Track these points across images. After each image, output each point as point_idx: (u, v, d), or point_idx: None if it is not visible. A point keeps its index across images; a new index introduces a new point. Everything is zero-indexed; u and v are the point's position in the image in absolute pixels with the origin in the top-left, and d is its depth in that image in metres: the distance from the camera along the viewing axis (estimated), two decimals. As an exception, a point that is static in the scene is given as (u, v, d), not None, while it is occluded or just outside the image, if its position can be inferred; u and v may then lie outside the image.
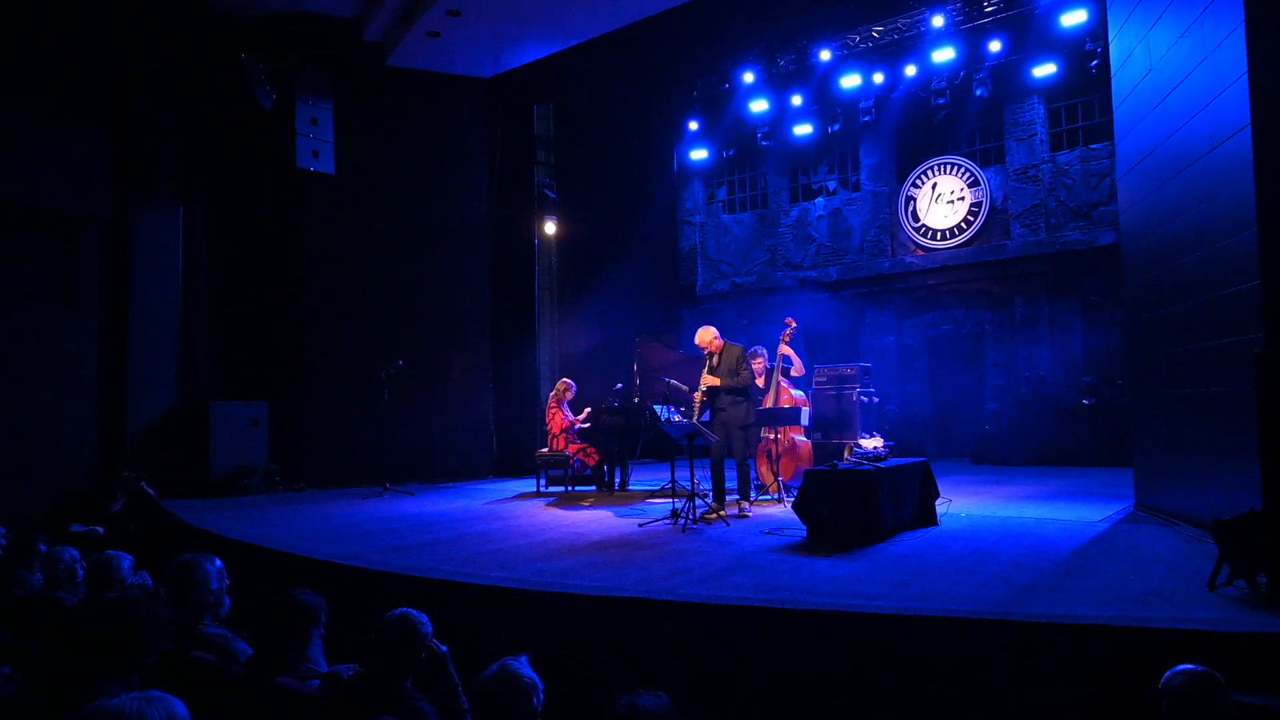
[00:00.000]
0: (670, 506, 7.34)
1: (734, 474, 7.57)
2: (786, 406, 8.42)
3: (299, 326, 10.93)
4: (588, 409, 9.69)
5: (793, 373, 8.86)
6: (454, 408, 11.48)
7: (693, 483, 7.10)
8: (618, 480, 9.68)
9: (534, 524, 7.40)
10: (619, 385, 10.05)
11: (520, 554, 5.90)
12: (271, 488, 10.21)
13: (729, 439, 7.43)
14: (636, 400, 9.61)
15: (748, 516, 7.23)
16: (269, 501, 9.41)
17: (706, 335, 7.51)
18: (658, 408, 9.09)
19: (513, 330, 12.02)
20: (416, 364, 10.67)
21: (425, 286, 11.42)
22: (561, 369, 12.11)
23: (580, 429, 9.64)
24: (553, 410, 9.75)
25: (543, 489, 9.75)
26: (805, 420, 8.48)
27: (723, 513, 7.11)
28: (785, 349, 8.63)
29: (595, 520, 7.48)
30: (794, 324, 8.79)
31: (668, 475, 8.48)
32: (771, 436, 8.39)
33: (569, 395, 9.80)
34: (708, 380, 7.39)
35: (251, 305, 10.96)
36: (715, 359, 7.46)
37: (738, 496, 7.48)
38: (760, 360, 8.81)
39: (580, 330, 13.41)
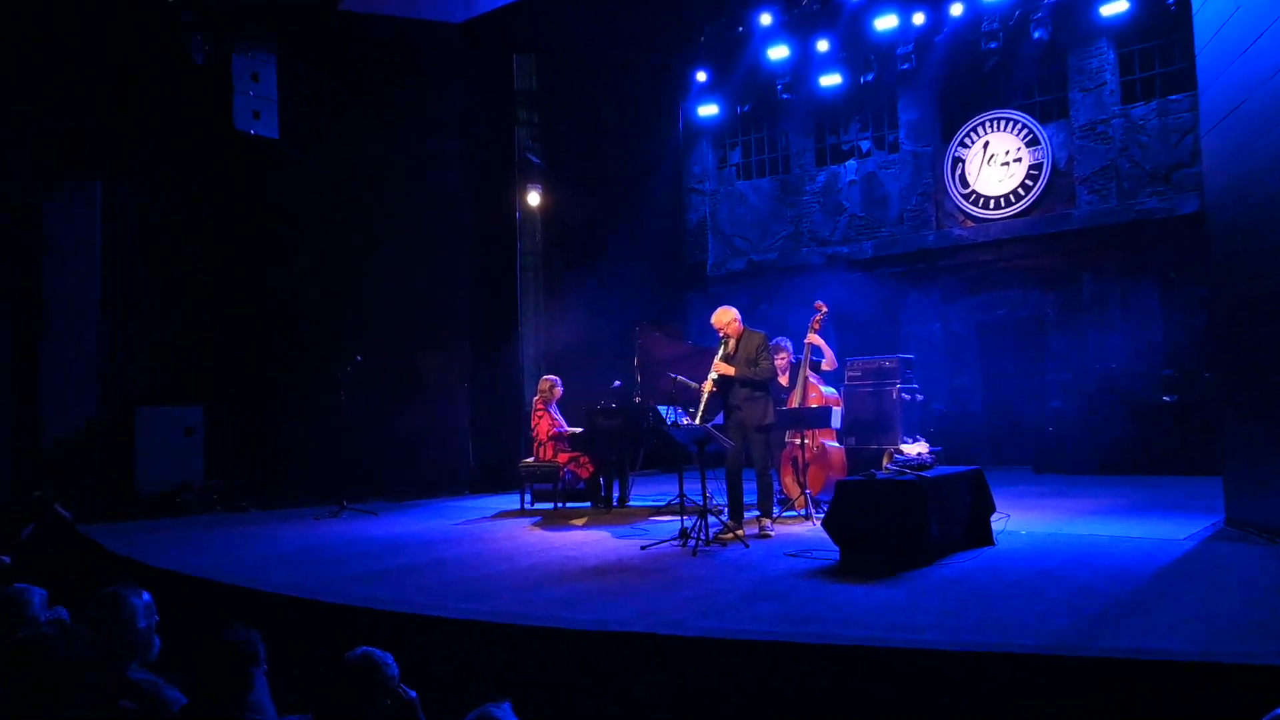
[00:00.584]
0: (678, 525, 7.36)
1: (753, 486, 7.60)
2: (815, 406, 8.44)
3: (240, 319, 10.99)
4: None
5: (823, 366, 8.89)
6: (423, 412, 11.53)
7: (704, 497, 7.09)
8: (616, 495, 9.68)
9: (518, 547, 7.41)
10: (616, 383, 10.02)
11: (502, 582, 5.96)
12: (209, 507, 10.28)
13: (747, 444, 7.46)
14: (637, 400, 9.58)
15: (770, 536, 7.24)
16: (207, 523, 9.51)
17: (726, 316, 7.56)
18: (662, 409, 9.09)
19: (492, 320, 12.08)
20: (380, 362, 10.74)
21: (389, 270, 11.47)
22: (548, 365, 12.14)
23: (572, 435, 9.66)
24: (538, 414, 9.75)
25: (528, 506, 9.79)
26: (837, 422, 8.48)
27: (740, 532, 7.12)
28: (814, 338, 8.67)
29: (590, 542, 7.49)
30: (824, 308, 8.79)
31: (675, 488, 8.36)
32: (797, 442, 8.40)
33: (556, 395, 9.82)
34: (720, 368, 7.42)
35: (185, 295, 11.00)
36: (732, 344, 7.51)
37: (758, 513, 7.49)
38: (784, 355, 8.81)
39: (570, 319, 13.37)
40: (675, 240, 16.12)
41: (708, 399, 7.49)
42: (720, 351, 7.50)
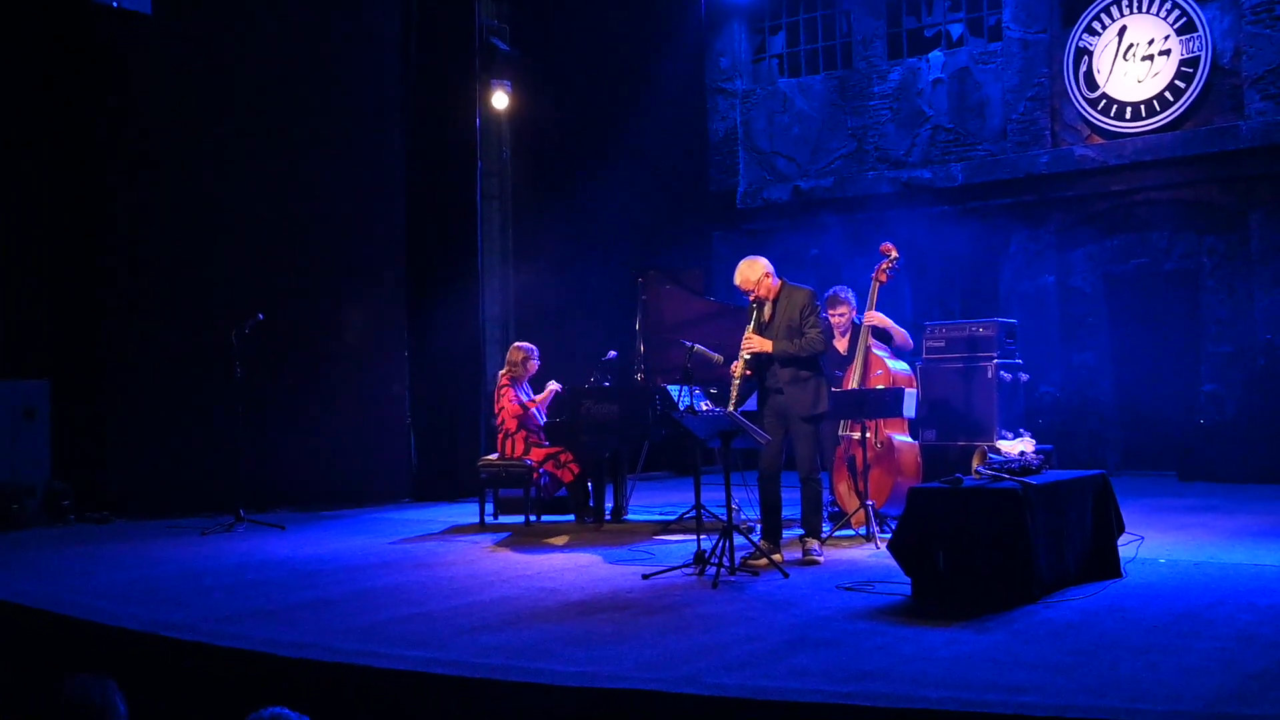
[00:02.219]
0: (693, 547, 7.35)
1: (796, 496, 7.60)
2: (881, 387, 8.39)
3: (102, 266, 10.91)
4: (552, 388, 9.75)
5: (893, 338, 8.83)
6: (347, 393, 11.48)
7: (729, 509, 7.10)
8: (609, 506, 9.72)
9: (476, 574, 7.42)
10: (611, 354, 10.02)
11: (454, 621, 5.97)
12: (58, 517, 10.36)
13: (788, 439, 7.46)
14: (640, 378, 9.54)
15: (817, 562, 7.29)
16: (53, 538, 9.49)
17: (753, 271, 7.51)
18: (673, 389, 9.04)
19: (441, 268, 11.96)
20: (289, 325, 10.69)
21: (301, 201, 11.39)
22: (518, 330, 12.09)
23: (549, 424, 9.61)
24: (504, 393, 9.71)
25: (490, 519, 9.81)
26: (910, 409, 8.47)
27: (777, 557, 7.19)
28: (876, 318, 8.66)
29: (573, 568, 7.51)
30: (894, 254, 8.72)
31: (689, 498, 8.45)
32: (856, 436, 8.37)
33: (529, 369, 9.77)
34: (754, 344, 7.40)
35: (24, 234, 10.94)
36: (768, 309, 7.51)
37: (801, 532, 7.55)
38: (845, 310, 8.77)
39: (548, 266, 13.37)
40: (694, 159, 16.00)
41: (740, 383, 7.55)
42: (751, 320, 7.49)
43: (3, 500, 10.08)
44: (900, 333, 8.84)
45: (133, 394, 10.90)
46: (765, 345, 7.38)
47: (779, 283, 7.54)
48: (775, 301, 7.49)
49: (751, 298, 7.52)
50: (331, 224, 11.58)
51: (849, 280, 10.06)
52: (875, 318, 8.63)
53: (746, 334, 7.43)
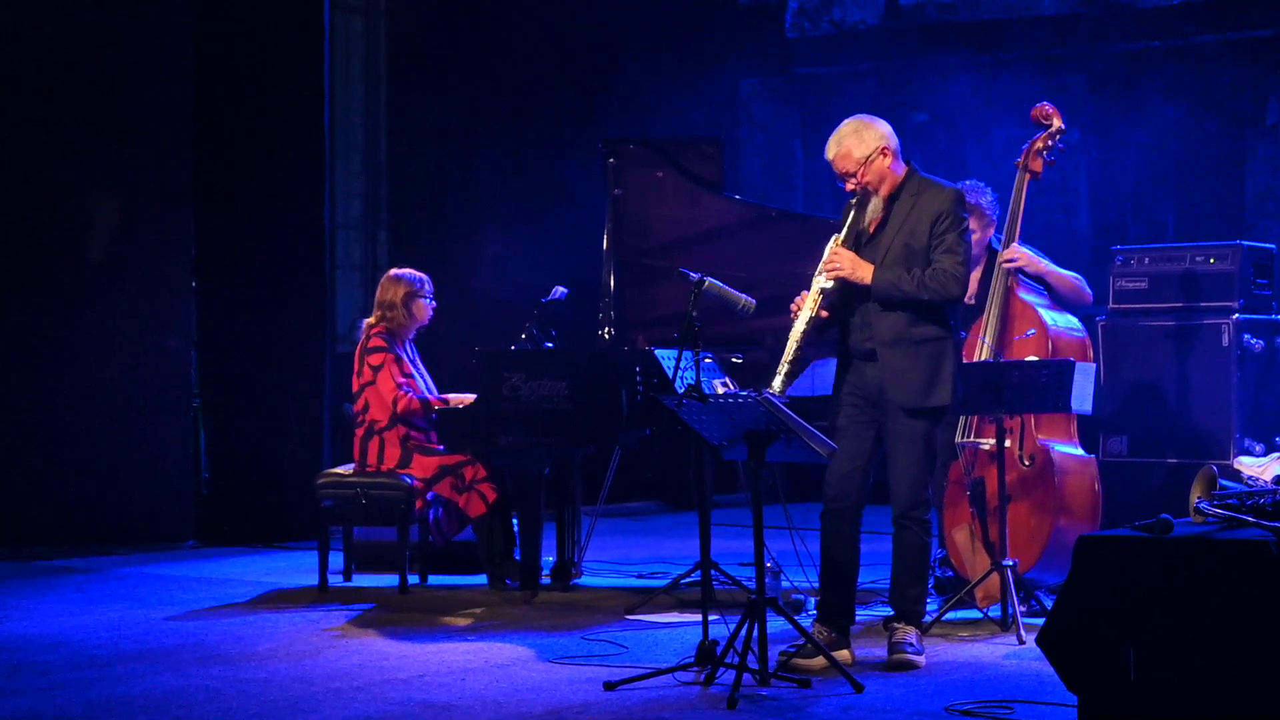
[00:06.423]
0: (696, 634, 5.98)
1: (880, 548, 6.56)
2: (1034, 358, 6.93)
3: None
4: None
5: (1053, 287, 7.37)
6: (87, 348, 9.76)
7: (760, 569, 5.73)
8: (549, 560, 8.22)
9: (310, 678, 5.99)
10: (558, 291, 8.45)
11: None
12: None
13: (875, 446, 6.18)
14: (607, 335, 8.04)
15: (914, 665, 6.01)
16: None
17: (863, 141, 6.17)
18: (665, 355, 7.62)
19: (254, 131, 10.11)
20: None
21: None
22: (395, 246, 10.50)
23: (447, 415, 7.98)
24: (375, 357, 8.15)
25: (337, 581, 8.40)
26: (1085, 398, 6.96)
27: (845, 654, 6.04)
28: (1017, 254, 7.17)
29: (484, 670, 6.12)
30: (1057, 122, 7.16)
31: (690, 548, 7.62)
32: (986, 445, 6.96)
33: (417, 316, 8.22)
34: (843, 263, 6.08)
35: None
36: (876, 210, 6.17)
37: (889, 611, 6.27)
38: (975, 226, 7.01)
39: (450, 136, 11.53)
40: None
41: (806, 332, 6.14)
42: (845, 226, 6.21)
43: None
44: (1065, 279, 7.44)
45: None
46: (861, 269, 6.04)
47: (904, 169, 6.19)
48: (893, 200, 6.16)
49: (851, 186, 6.17)
50: (63, 57, 9.68)
51: (981, 172, 7.94)
52: (1020, 255, 7.20)
53: (832, 246, 6.10)
